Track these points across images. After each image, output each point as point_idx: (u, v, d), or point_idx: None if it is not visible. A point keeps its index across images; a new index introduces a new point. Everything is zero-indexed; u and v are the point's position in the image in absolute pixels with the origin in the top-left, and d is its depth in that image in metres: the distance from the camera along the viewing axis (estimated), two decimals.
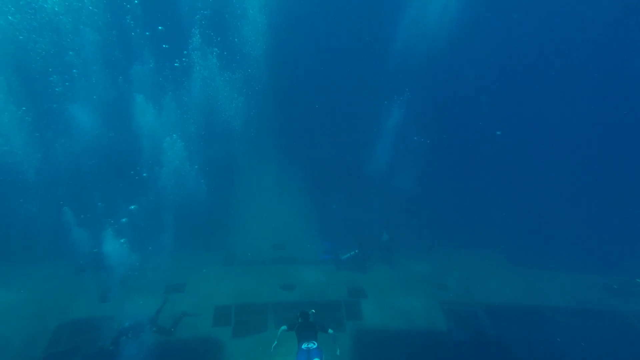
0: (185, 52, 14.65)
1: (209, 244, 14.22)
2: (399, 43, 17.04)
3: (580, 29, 16.28)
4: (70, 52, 14.23)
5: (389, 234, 14.90)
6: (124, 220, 13.02)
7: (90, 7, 13.95)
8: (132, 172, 14.13)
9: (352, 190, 17.54)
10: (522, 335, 9.87)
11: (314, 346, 7.48)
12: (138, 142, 14.73)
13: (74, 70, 14.56)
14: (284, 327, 7.89)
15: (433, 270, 13.01)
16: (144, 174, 14.16)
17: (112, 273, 11.65)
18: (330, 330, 7.82)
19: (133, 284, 11.74)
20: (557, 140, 17.85)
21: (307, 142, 18.96)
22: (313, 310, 8.06)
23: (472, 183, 17.43)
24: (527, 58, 17.68)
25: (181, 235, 13.70)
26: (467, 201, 16.81)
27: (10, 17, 12.98)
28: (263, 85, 16.69)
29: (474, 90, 17.99)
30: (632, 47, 16.89)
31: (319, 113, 18.39)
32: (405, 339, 9.72)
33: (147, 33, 14.78)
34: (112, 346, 8.32)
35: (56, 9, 13.34)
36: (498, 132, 17.64)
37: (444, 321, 10.39)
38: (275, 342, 7.70)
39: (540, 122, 18.09)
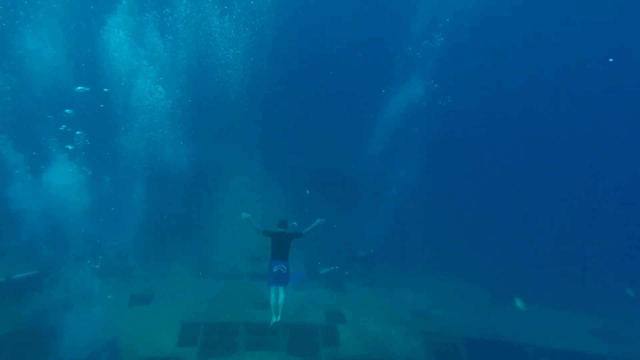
0: None
1: (182, 252, 13.41)
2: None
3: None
4: None
5: (373, 249, 14.44)
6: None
7: None
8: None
9: (341, 201, 17.01)
10: None
11: (284, 271, 7.41)
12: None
13: None
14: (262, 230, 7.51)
15: (415, 296, 12.55)
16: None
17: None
18: (304, 231, 7.50)
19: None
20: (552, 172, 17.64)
21: (295, 148, 18.35)
22: (295, 223, 7.80)
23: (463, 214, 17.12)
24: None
25: (152, 239, 12.78)
26: (455, 230, 16.51)
27: None
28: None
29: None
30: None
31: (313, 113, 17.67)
32: None
33: None
34: None
35: None
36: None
37: (424, 353, 9.94)
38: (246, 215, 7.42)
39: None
